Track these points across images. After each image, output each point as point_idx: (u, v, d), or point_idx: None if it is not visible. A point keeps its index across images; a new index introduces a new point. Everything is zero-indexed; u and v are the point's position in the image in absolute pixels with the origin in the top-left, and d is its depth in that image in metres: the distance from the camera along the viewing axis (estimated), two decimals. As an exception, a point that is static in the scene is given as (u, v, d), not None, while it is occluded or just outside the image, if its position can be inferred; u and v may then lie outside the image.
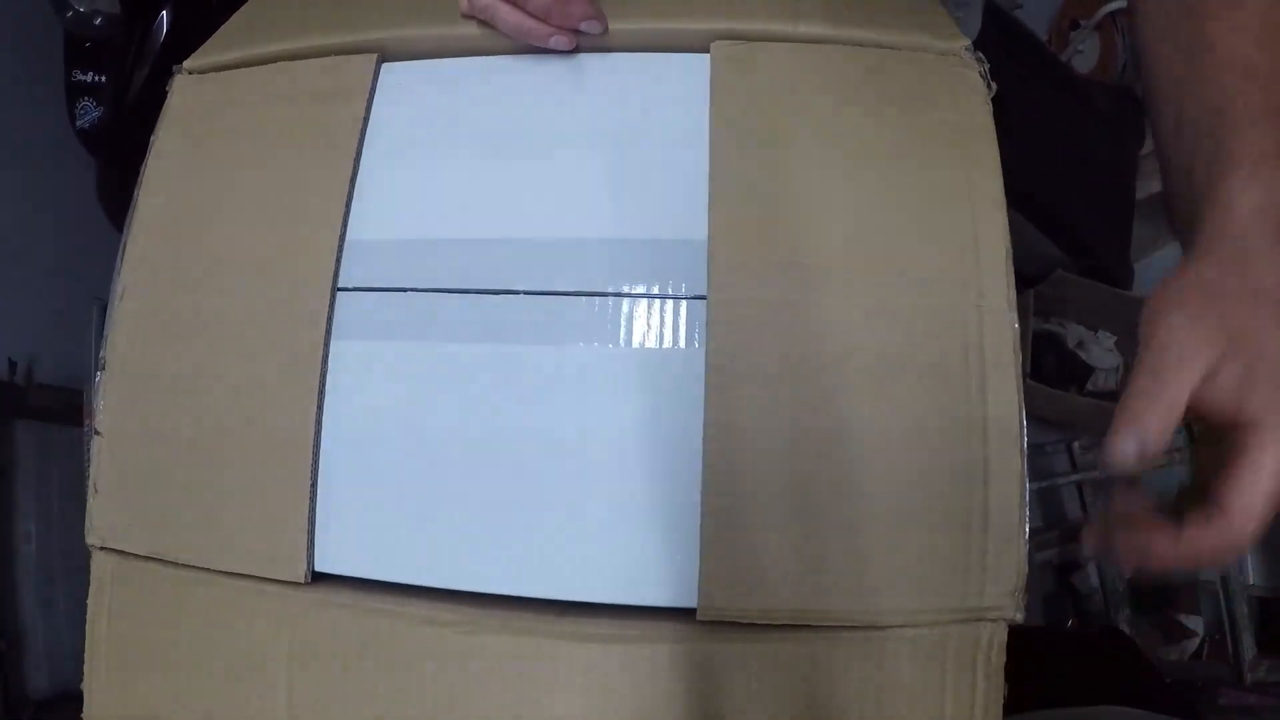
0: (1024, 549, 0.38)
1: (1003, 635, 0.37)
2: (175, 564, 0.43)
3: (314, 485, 0.41)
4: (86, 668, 0.44)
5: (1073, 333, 1.46)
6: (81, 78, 1.14)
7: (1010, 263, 0.40)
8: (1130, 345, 1.45)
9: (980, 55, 0.45)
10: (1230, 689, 1.02)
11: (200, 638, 0.42)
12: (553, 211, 0.43)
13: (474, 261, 0.43)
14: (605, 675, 0.38)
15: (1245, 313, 0.32)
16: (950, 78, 0.44)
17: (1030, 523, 0.39)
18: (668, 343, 0.41)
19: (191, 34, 0.57)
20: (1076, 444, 1.28)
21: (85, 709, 0.43)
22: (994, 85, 0.44)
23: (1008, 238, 0.41)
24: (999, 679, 0.37)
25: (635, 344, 0.41)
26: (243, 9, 0.56)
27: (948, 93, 0.44)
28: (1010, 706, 0.37)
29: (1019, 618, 0.37)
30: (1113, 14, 1.53)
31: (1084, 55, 1.62)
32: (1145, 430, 0.32)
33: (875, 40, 0.45)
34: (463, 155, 0.45)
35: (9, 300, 1.15)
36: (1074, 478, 1.23)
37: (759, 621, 0.38)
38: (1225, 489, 0.31)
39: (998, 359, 0.39)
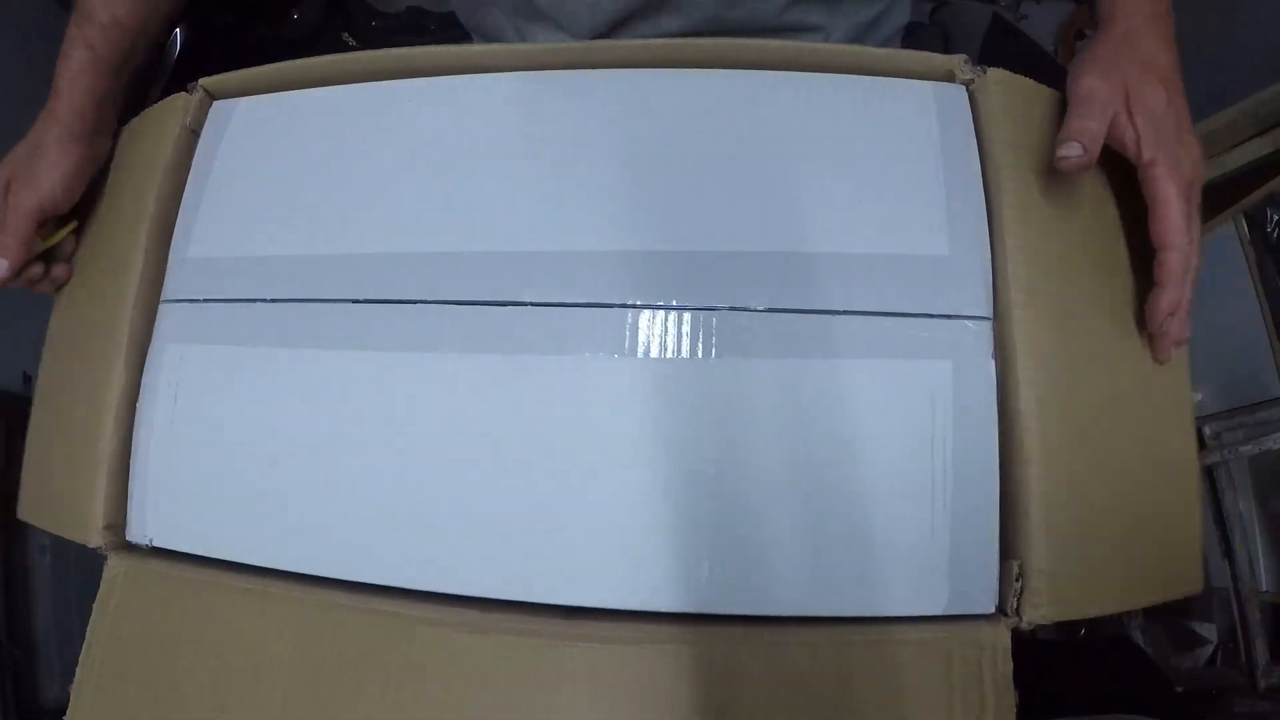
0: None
1: (1006, 640, 0.37)
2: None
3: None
4: (83, 656, 0.45)
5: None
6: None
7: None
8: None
9: (982, 68, 0.45)
10: (1244, 696, 1.01)
11: (201, 637, 0.43)
12: (561, 224, 0.44)
13: (480, 274, 0.44)
14: (611, 677, 0.38)
15: (1136, 76, 0.42)
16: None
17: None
18: (676, 353, 0.41)
19: (205, 51, 0.58)
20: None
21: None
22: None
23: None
24: (1008, 687, 0.37)
25: (642, 354, 0.41)
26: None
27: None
28: (1021, 717, 0.37)
29: (1023, 623, 0.38)
30: (1118, 23, 1.53)
31: (1090, 65, 1.62)
32: (1086, 135, 0.41)
33: (873, 53, 0.46)
34: (467, 169, 0.46)
35: (22, 315, 1.15)
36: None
37: (765, 614, 0.39)
38: (1156, 225, 0.41)
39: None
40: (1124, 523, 0.40)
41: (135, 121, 0.55)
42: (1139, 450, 0.41)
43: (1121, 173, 0.43)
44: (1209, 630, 1.21)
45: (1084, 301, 0.41)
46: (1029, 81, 0.45)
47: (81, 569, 1.17)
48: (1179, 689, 0.92)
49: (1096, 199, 0.43)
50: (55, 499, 0.49)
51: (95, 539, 0.46)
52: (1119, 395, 0.41)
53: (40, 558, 1.15)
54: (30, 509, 0.52)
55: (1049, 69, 1.48)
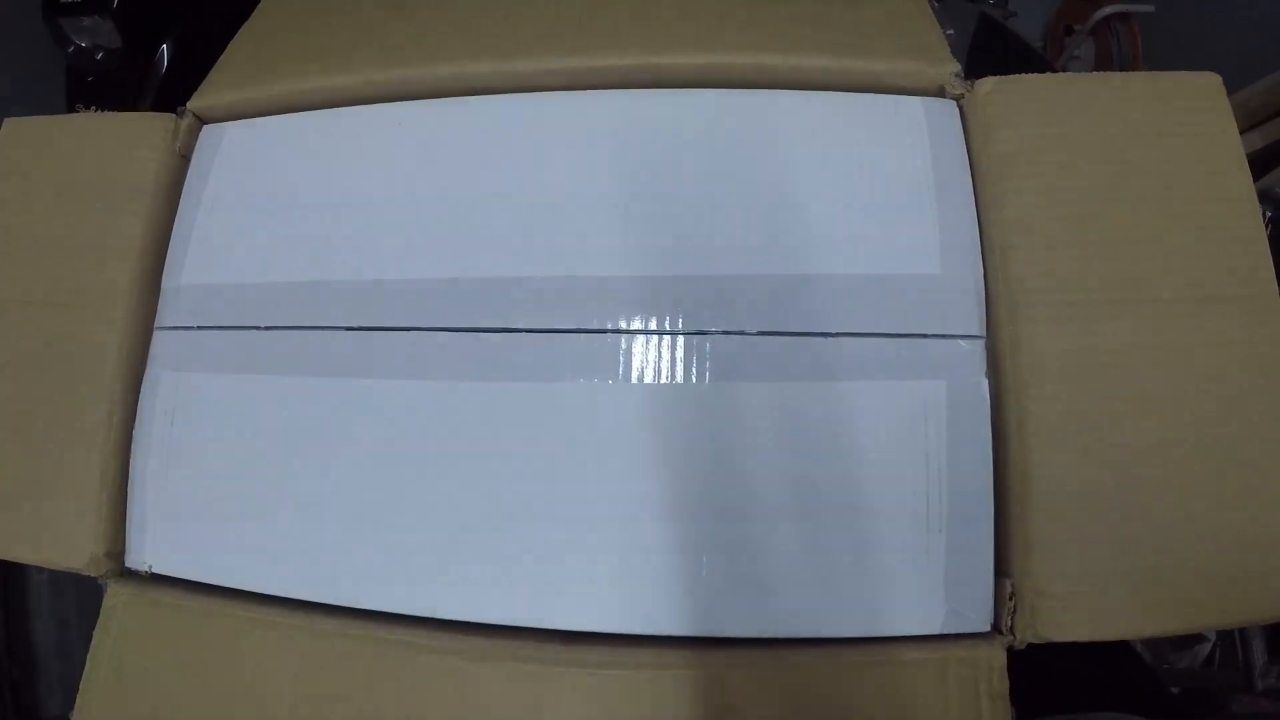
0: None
1: (1002, 659, 0.38)
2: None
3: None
4: (83, 684, 0.44)
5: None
6: (84, 111, 1.15)
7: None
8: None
9: (971, 82, 0.45)
10: (1242, 695, 1.01)
11: (203, 666, 0.43)
12: (553, 249, 0.44)
13: (474, 300, 0.44)
14: (613, 702, 0.38)
15: None
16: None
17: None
18: (670, 379, 0.41)
19: (193, 67, 0.58)
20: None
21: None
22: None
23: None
24: (1005, 705, 0.37)
25: (636, 380, 0.41)
26: (242, 36, 0.56)
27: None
28: (1016, 715, 0.38)
29: (1016, 641, 0.38)
30: (1107, 19, 1.53)
31: (1080, 61, 1.62)
32: None
33: (865, 69, 0.46)
34: (460, 194, 0.46)
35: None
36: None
37: (764, 636, 0.39)
38: None
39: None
40: (1144, 544, 0.38)
41: (107, 132, 0.54)
42: (1162, 465, 0.39)
43: (1122, 179, 0.43)
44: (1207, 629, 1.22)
45: (1083, 316, 0.41)
46: (1022, 79, 0.45)
47: (81, 585, 1.17)
48: (1175, 689, 0.92)
49: (1093, 208, 0.43)
50: (37, 529, 0.47)
51: (94, 567, 0.45)
52: (1130, 409, 0.39)
53: (38, 574, 1.15)
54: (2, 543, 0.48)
55: (1038, 68, 1.48)
